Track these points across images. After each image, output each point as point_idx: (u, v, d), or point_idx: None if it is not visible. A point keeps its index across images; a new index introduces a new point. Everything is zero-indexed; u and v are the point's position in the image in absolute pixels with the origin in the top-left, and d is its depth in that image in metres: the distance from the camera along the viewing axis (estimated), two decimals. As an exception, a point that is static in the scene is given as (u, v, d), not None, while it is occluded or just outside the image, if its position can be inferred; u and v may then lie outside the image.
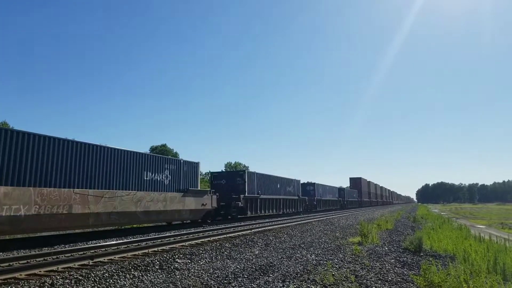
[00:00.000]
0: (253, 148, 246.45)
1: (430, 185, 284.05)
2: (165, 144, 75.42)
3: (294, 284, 7.01)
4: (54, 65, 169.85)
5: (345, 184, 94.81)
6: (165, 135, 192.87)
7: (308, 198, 44.37)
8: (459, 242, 13.06)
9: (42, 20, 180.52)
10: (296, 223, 23.93)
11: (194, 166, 22.74)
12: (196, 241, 13.65)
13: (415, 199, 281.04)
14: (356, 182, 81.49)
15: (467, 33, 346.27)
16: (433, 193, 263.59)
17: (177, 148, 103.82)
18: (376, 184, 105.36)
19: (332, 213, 41.63)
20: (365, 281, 7.35)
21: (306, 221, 26.25)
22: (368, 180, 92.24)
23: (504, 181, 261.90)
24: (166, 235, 15.58)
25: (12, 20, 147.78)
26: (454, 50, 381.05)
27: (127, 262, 9.28)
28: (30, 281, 7.20)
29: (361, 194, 77.91)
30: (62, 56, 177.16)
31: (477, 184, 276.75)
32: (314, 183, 47.23)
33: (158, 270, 8.43)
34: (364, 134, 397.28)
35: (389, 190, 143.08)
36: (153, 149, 74.15)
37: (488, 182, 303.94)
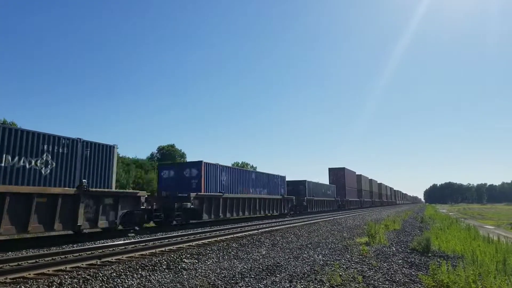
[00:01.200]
0: (255, 147, 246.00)
1: (438, 185, 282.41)
2: (173, 144, 75.68)
3: (301, 285, 6.99)
4: (59, 64, 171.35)
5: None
6: (170, 136, 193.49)
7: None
8: (467, 243, 12.94)
9: (48, 20, 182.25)
10: (303, 223, 23.87)
11: None
12: (203, 241, 13.67)
13: (422, 199, 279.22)
14: (337, 175, 59.52)
15: (474, 30, 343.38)
16: (441, 193, 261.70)
17: (184, 148, 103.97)
18: (371, 179, 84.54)
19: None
20: (372, 281, 7.30)
21: (314, 221, 26.18)
22: (357, 173, 71.26)
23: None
24: (173, 235, 15.63)
25: (13, 21, 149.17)
26: (461, 49, 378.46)
27: (134, 261, 9.31)
28: (39, 280, 7.26)
29: (344, 191, 57.67)
30: (66, 56, 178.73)
31: (485, 184, 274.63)
32: (201, 162, 23.11)
33: (166, 270, 8.45)
34: (370, 134, 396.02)
35: (391, 188, 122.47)
36: (160, 149, 74.48)
37: (497, 182, 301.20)
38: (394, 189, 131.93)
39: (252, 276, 7.79)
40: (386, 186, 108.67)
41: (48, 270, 8.28)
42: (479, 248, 11.69)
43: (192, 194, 20.80)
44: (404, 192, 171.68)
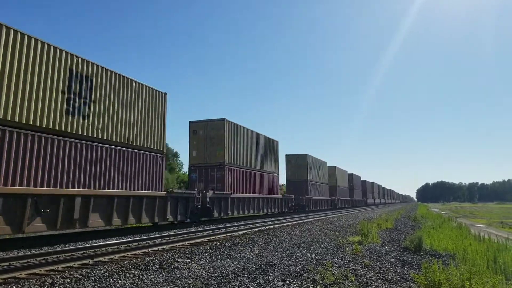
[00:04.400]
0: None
1: (430, 184, 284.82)
2: (166, 143, 75.23)
3: (294, 283, 7.01)
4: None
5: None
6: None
7: None
8: (459, 241, 13.05)
9: (47, 19, 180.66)
10: (295, 222, 23.93)
11: None
12: (196, 241, 13.64)
13: (415, 198, 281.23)
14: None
15: (467, 30, 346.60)
16: (433, 192, 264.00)
17: (176, 147, 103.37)
18: (315, 158, 47.28)
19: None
20: (365, 280, 7.35)
21: (306, 220, 26.26)
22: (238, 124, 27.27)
23: (504, 180, 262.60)
24: (166, 234, 15.57)
25: (11, 21, 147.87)
26: (454, 48, 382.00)
27: (127, 261, 9.27)
28: (30, 280, 7.19)
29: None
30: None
31: (477, 183, 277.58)
32: None
33: (158, 270, 8.42)
34: (363, 133, 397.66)
35: (365, 181, 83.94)
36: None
37: (488, 181, 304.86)
38: (370, 181, 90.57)
39: (245, 275, 7.80)
40: (345, 172, 64.64)
41: (40, 270, 8.20)
42: (471, 246, 11.80)
43: None
44: (387, 187, 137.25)
